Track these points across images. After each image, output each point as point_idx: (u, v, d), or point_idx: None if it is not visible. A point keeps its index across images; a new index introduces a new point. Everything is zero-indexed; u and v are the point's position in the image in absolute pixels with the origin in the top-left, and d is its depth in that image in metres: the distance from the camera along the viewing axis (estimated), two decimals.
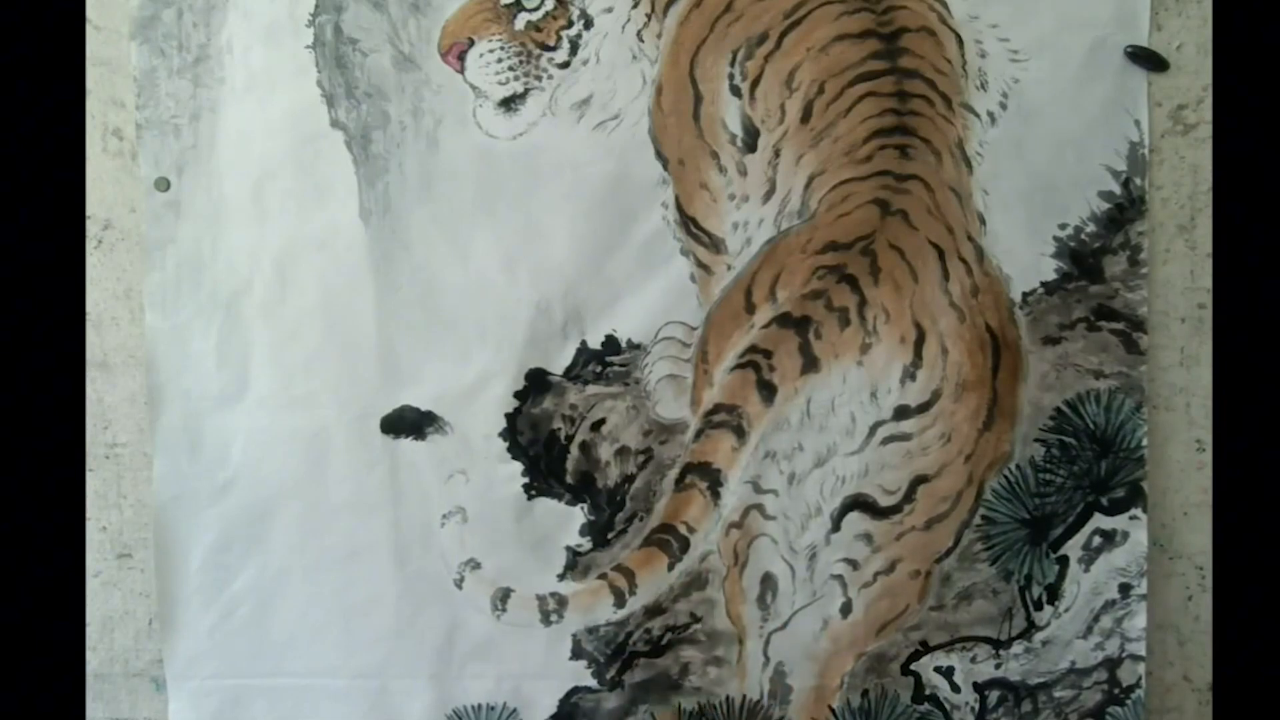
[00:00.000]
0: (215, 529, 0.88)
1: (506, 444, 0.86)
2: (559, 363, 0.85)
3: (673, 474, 0.85)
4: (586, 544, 0.86)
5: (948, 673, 0.85)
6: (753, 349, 0.83)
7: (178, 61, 0.86)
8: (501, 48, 0.83)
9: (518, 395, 0.85)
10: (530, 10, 0.83)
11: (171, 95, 0.86)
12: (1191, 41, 0.81)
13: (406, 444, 0.86)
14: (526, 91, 0.84)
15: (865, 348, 0.83)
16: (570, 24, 0.83)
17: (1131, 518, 0.83)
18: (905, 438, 0.83)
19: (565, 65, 0.83)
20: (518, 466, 0.86)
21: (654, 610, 0.86)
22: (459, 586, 0.86)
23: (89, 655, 0.91)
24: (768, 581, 0.85)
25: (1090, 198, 0.82)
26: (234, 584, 0.88)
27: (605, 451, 0.86)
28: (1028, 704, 0.85)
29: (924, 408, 0.83)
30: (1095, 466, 0.83)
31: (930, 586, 0.85)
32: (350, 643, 0.88)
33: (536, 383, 0.85)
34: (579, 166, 0.84)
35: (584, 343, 0.85)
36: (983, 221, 0.82)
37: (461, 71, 0.84)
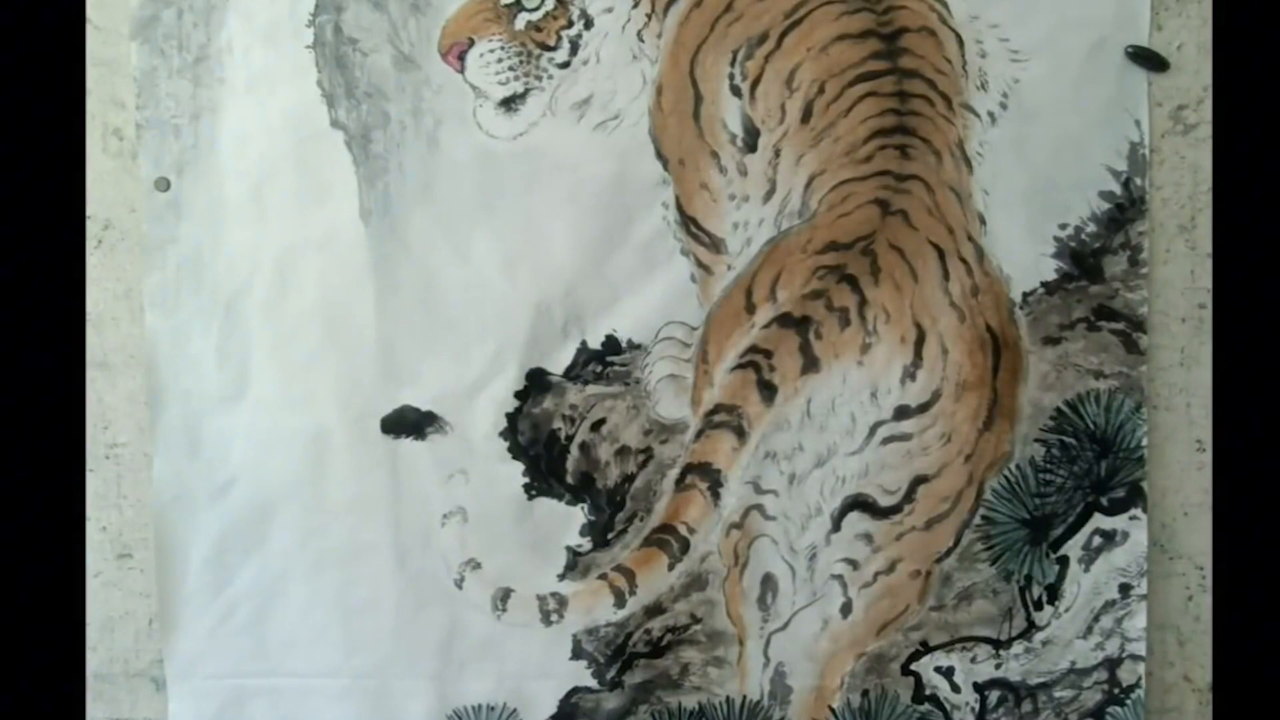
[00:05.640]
0: (215, 529, 0.88)
1: (507, 444, 0.86)
2: (559, 363, 0.85)
3: (673, 474, 0.85)
4: (586, 544, 0.86)
5: (948, 673, 0.85)
6: (753, 349, 0.83)
7: (178, 61, 0.86)
8: (501, 48, 0.83)
9: (518, 395, 0.85)
10: (530, 10, 0.83)
11: (171, 95, 0.86)
12: (1191, 41, 0.81)
13: (406, 444, 0.86)
14: (527, 91, 0.84)
15: (865, 348, 0.83)
16: (570, 24, 0.83)
17: (1131, 518, 0.83)
18: (905, 438, 0.83)
19: (565, 65, 0.83)
20: (518, 466, 0.86)
21: (654, 610, 0.86)
22: (459, 586, 0.86)
23: (89, 655, 0.91)
24: (768, 582, 0.85)
25: (1090, 198, 0.82)
26: (234, 584, 0.88)
27: (605, 451, 0.86)
28: (1028, 704, 0.85)
29: (924, 408, 0.83)
30: (1095, 466, 0.83)
31: (930, 586, 0.85)
32: (350, 643, 0.88)
33: (536, 383, 0.85)
34: (579, 166, 0.84)
35: (584, 343, 0.85)
36: (983, 221, 0.82)
37: (461, 71, 0.84)
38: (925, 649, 0.85)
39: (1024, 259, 0.82)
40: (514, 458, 0.86)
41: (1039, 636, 0.85)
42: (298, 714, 0.89)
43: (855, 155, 0.82)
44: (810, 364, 0.83)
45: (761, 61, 0.82)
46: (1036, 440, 0.83)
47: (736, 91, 0.83)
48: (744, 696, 0.86)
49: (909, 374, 0.83)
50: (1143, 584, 0.84)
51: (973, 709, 0.85)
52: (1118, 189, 0.82)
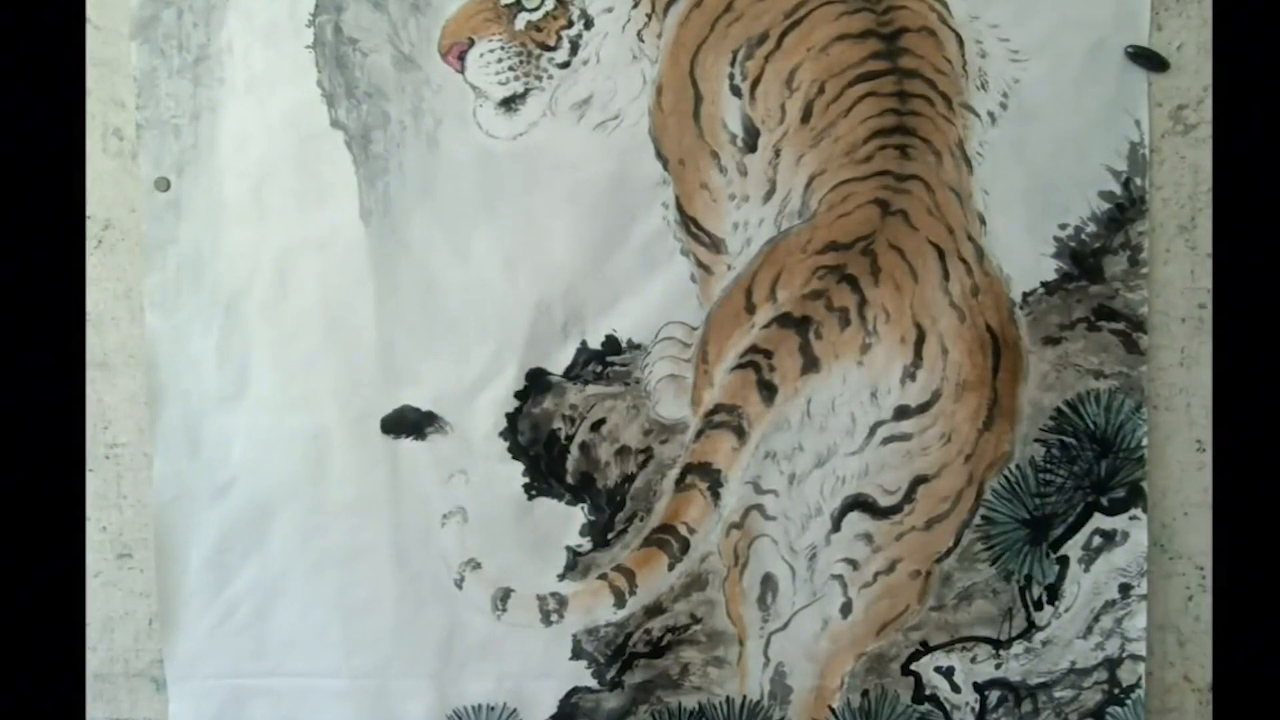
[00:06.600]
0: (215, 529, 0.88)
1: (507, 444, 0.86)
2: (559, 363, 0.85)
3: (673, 474, 0.85)
4: (586, 544, 0.86)
5: (948, 673, 0.85)
6: (753, 349, 0.83)
7: (178, 61, 0.86)
8: (501, 48, 0.83)
9: (518, 395, 0.85)
10: (530, 10, 0.83)
11: (171, 95, 0.86)
12: (1191, 41, 0.81)
13: (406, 444, 0.86)
14: (527, 91, 0.84)
15: (865, 348, 0.83)
16: (570, 24, 0.83)
17: (1131, 518, 0.83)
18: (905, 438, 0.83)
19: (565, 65, 0.83)
20: (518, 466, 0.86)
21: (654, 610, 0.86)
22: (459, 586, 0.86)
23: (89, 655, 0.91)
24: (768, 582, 0.85)
25: (1090, 198, 0.82)
26: (234, 584, 0.88)
27: (605, 451, 0.86)
28: (1028, 704, 0.85)
29: (924, 408, 0.83)
30: (1095, 466, 0.83)
31: (930, 586, 0.85)
32: (350, 643, 0.88)
33: (536, 383, 0.85)
34: (579, 166, 0.84)
35: (584, 343, 0.85)
36: (983, 221, 0.82)
37: (461, 71, 0.84)
38: (925, 649, 0.85)
39: (1024, 259, 0.82)
40: (514, 458, 0.86)
41: (1039, 636, 0.85)
42: (298, 714, 0.89)
43: (855, 155, 0.82)
44: (810, 364, 0.83)
45: (761, 61, 0.82)
46: (1036, 440, 0.83)
47: (736, 91, 0.83)
48: (744, 696, 0.86)
49: (909, 374, 0.83)
50: (1143, 584, 0.84)
51: (973, 709, 0.85)
52: (1118, 189, 0.82)
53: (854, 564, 0.85)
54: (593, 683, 0.87)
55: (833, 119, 0.82)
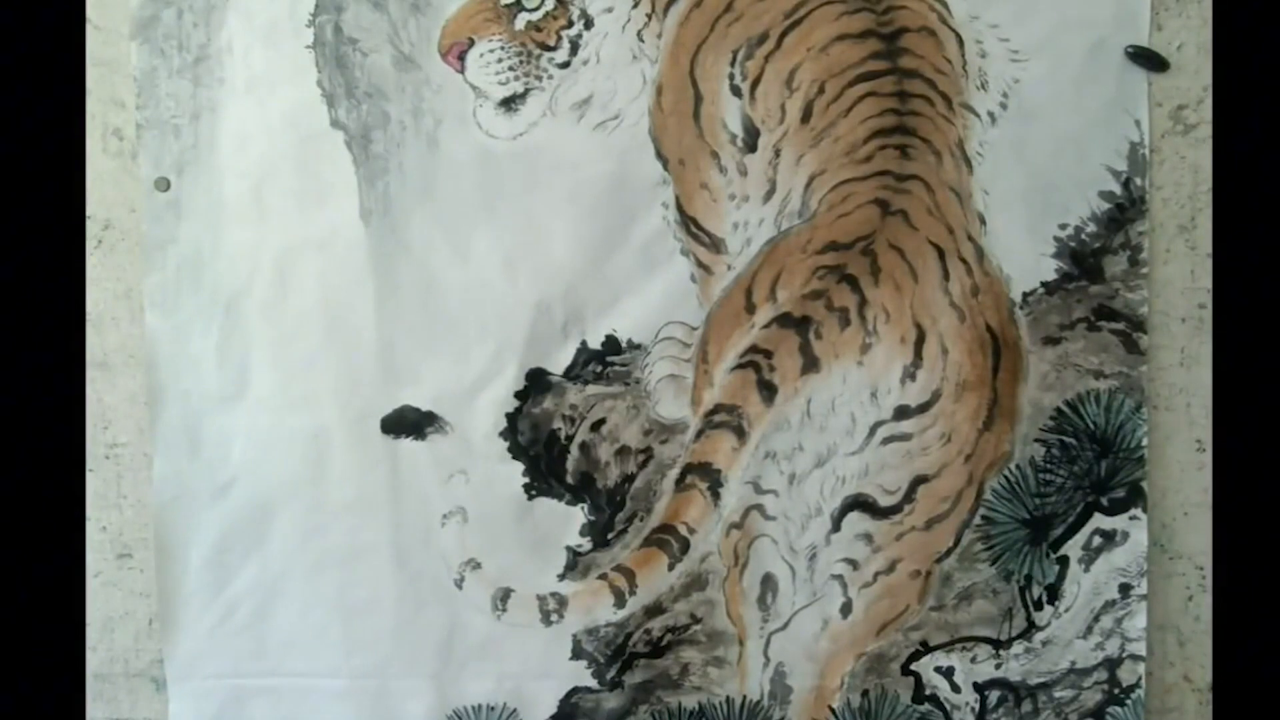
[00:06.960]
0: (215, 529, 0.88)
1: (507, 444, 0.86)
2: (559, 363, 0.85)
3: (673, 474, 0.85)
4: (586, 544, 0.86)
5: (948, 673, 0.85)
6: (753, 349, 0.83)
7: (178, 61, 0.86)
8: (501, 48, 0.83)
9: (518, 395, 0.85)
10: (530, 10, 0.83)
11: (171, 95, 0.86)
12: (1191, 41, 0.81)
13: (406, 444, 0.86)
14: (527, 91, 0.84)
15: (865, 348, 0.83)
16: (570, 24, 0.83)
17: (1131, 518, 0.83)
18: (905, 438, 0.83)
19: (565, 65, 0.83)
20: (518, 466, 0.86)
21: (654, 610, 0.86)
22: (459, 586, 0.86)
23: (89, 655, 0.91)
24: (768, 582, 0.85)
25: (1090, 198, 0.82)
26: (234, 584, 0.88)
27: (605, 451, 0.86)
28: (1028, 704, 0.85)
29: (924, 408, 0.83)
30: (1095, 466, 0.83)
31: (930, 586, 0.85)
32: (350, 643, 0.88)
33: (536, 383, 0.85)
34: (579, 166, 0.84)
35: (584, 343, 0.85)
36: (983, 221, 0.82)
37: (461, 71, 0.84)
38: (925, 649, 0.85)
39: (1024, 259, 0.82)
40: (514, 458, 0.86)
41: (1039, 636, 0.85)
42: (298, 714, 0.89)
43: (855, 155, 0.82)
44: (810, 364, 0.83)
45: (761, 61, 0.82)
46: (1036, 440, 0.83)
47: (736, 91, 0.83)
48: (744, 696, 0.86)
49: (909, 374, 0.83)
50: (1143, 584, 0.84)
51: (973, 709, 0.85)
52: (1118, 189, 0.82)
53: (854, 564, 0.85)
54: (593, 683, 0.87)
55: (833, 119, 0.82)
